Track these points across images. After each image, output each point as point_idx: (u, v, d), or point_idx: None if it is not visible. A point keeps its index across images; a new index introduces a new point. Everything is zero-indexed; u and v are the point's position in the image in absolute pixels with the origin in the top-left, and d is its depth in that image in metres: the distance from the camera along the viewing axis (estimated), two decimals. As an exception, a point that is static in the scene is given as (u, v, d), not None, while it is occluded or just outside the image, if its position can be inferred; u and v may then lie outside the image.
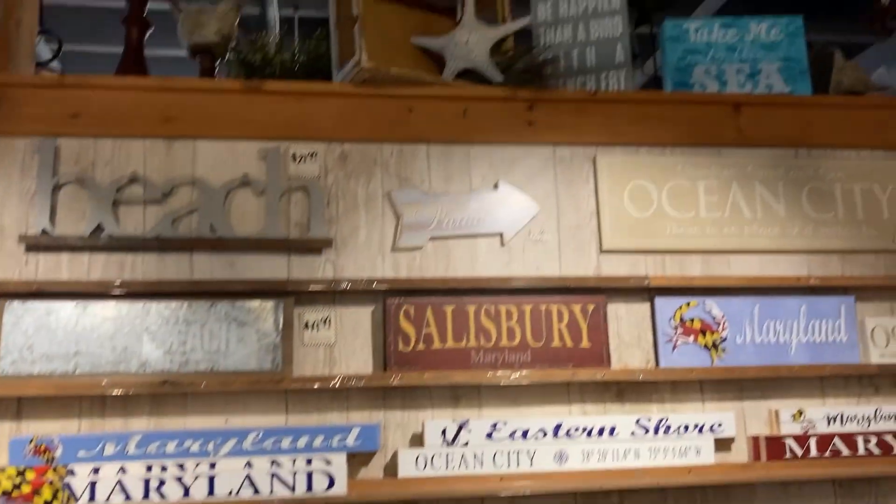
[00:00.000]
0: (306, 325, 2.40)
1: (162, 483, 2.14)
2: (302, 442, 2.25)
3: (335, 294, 2.43)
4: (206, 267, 2.38)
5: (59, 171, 2.37)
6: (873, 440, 2.50)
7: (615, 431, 2.42)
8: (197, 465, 2.17)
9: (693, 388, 2.54)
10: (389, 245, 2.50)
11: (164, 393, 2.28)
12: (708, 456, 2.43)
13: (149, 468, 2.15)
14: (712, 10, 4.92)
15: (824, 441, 2.49)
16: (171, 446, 2.19)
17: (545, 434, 2.39)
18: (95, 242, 2.32)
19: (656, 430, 2.44)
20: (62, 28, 3.32)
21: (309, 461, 2.22)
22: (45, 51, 3.22)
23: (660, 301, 2.55)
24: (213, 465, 2.18)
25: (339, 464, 2.23)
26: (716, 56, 2.81)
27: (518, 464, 2.35)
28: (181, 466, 2.17)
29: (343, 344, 2.41)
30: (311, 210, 2.45)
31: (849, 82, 2.98)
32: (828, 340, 2.60)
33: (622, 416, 2.44)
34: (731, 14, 2.93)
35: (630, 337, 2.55)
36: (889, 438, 2.51)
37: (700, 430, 2.46)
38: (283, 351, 2.33)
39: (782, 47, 2.84)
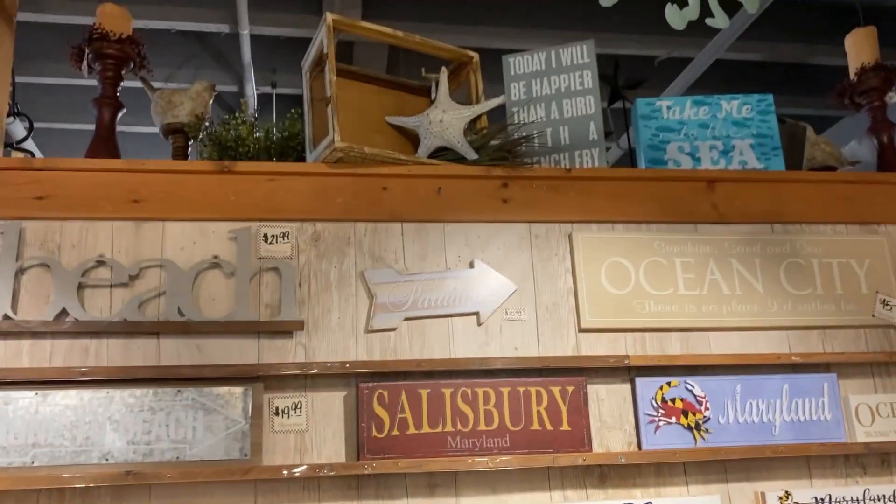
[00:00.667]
0: (276, 412, 2.32)
1: (121, 584, 2.03)
2: (271, 536, 2.14)
3: (307, 378, 2.36)
4: (174, 351, 2.31)
5: (24, 254, 2.32)
6: (863, 524, 2.43)
7: (598, 518, 2.34)
8: (159, 564, 2.06)
9: (677, 470, 2.47)
10: (363, 326, 2.44)
11: (128, 485, 2.17)
12: (694, 542, 2.35)
13: (107, 567, 2.04)
14: (683, 88, 5.01)
15: (813, 525, 2.41)
16: (131, 543, 2.08)
17: (525, 522, 2.30)
18: (59, 327, 2.25)
19: (640, 516, 2.36)
20: (35, 106, 3.31)
21: (278, 557, 2.11)
22: (18, 129, 3.20)
23: (640, 381, 2.50)
24: (176, 563, 2.07)
25: (310, 559, 2.12)
26: (689, 133, 2.83)
27: (497, 555, 2.25)
28: (142, 565, 2.06)
29: (315, 430, 2.33)
30: (283, 291, 2.40)
31: (821, 157, 3.01)
32: (812, 419, 2.54)
33: (605, 502, 2.36)
34: (701, 91, 2.96)
35: (611, 418, 2.49)
36: (879, 522, 2.44)
37: (685, 516, 2.38)
38: (253, 439, 2.24)
39: (754, 124, 2.86)
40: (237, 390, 2.27)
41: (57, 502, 2.16)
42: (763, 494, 2.45)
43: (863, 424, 2.56)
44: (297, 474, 2.21)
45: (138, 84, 2.84)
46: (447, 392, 2.39)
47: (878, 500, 2.49)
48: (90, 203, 2.38)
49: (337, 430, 2.34)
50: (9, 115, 2.74)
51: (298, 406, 2.33)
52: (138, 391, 2.23)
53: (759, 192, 2.75)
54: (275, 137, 2.64)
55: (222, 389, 2.26)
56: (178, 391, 2.24)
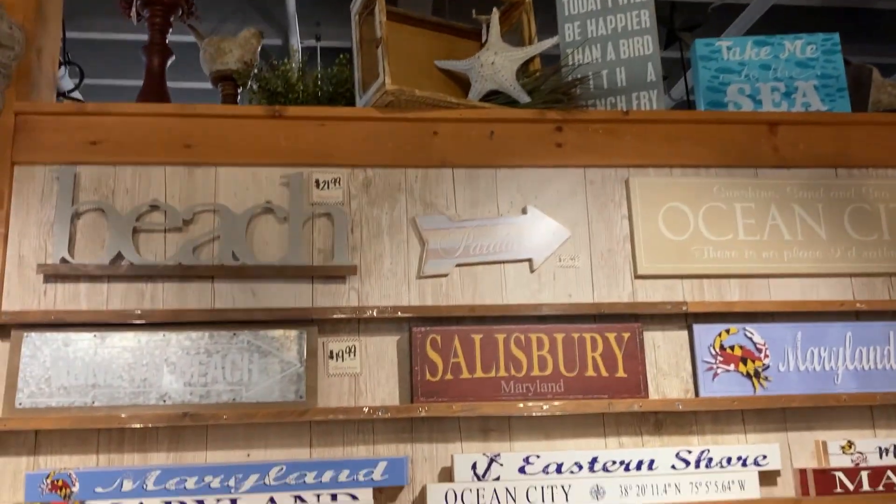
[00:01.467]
0: (331, 355, 2.32)
1: (181, 522, 2.06)
2: (327, 476, 2.15)
3: (360, 322, 2.35)
4: (228, 295, 2.32)
5: (79, 199, 2.33)
6: (929, 473, 2.36)
7: (654, 465, 2.31)
8: (218, 502, 2.09)
9: (735, 418, 2.42)
10: (415, 272, 2.42)
11: (184, 426, 2.20)
12: (753, 490, 2.31)
13: (168, 504, 2.07)
14: (741, 31, 4.85)
15: (877, 474, 2.35)
16: (190, 482, 2.10)
17: (580, 468, 2.28)
18: (115, 271, 2.27)
19: (697, 464, 2.32)
20: (85, 62, 3.32)
21: (334, 497, 2.12)
22: (68, 83, 3.22)
23: (698, 328, 2.44)
24: (234, 502, 2.09)
25: (366, 499, 2.13)
26: (749, 74, 2.73)
27: (553, 499, 2.24)
28: (201, 503, 2.08)
29: (368, 374, 2.33)
30: (335, 237, 2.38)
31: (888, 100, 2.89)
32: (877, 367, 2.47)
33: (661, 449, 2.33)
34: (760, 34, 2.85)
35: (667, 365, 2.44)
36: (946, 471, 2.37)
37: (744, 463, 2.34)
38: (308, 381, 2.25)
39: (818, 65, 2.75)
40: (292, 333, 2.27)
41: (117, 443, 2.20)
42: (825, 444, 2.40)
43: (930, 374, 2.48)
44: (352, 417, 2.21)
45: (184, 38, 2.82)
46: (500, 337, 2.36)
47: (945, 450, 2.41)
48: (143, 148, 2.37)
49: (390, 373, 2.33)
50: (60, 66, 2.74)
51: (352, 350, 2.32)
52: (194, 334, 2.24)
53: (822, 134, 2.64)
54: (323, 85, 2.61)
55: (277, 332, 2.27)
56: (234, 334, 2.25)
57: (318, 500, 2.12)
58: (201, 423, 2.18)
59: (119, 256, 2.28)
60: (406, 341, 2.35)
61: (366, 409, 2.21)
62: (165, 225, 2.34)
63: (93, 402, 2.17)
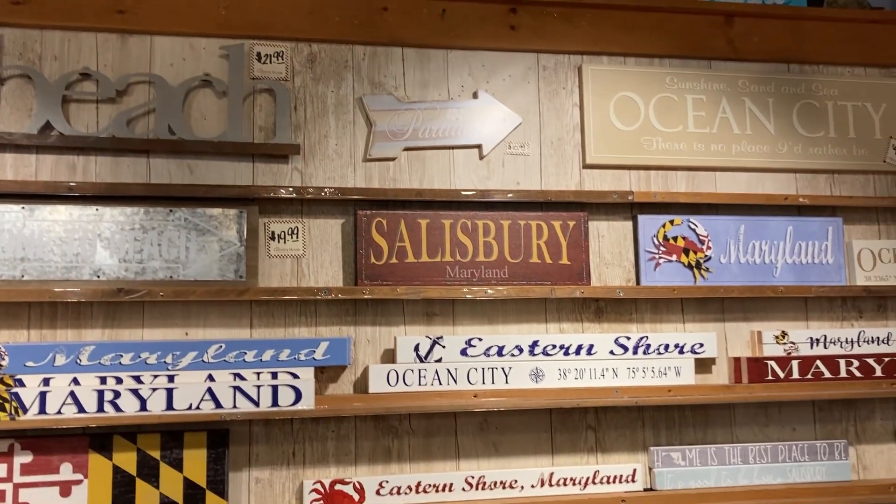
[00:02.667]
0: (272, 236, 2.26)
1: (117, 395, 2.02)
2: (267, 355, 2.13)
3: (303, 203, 2.29)
4: (164, 171, 2.23)
5: (2, 62, 2.18)
6: (855, 363, 2.45)
7: (593, 350, 2.34)
8: (155, 378, 2.06)
9: (674, 307, 2.46)
10: (361, 154, 2.36)
11: (120, 302, 2.14)
12: (688, 376, 2.36)
13: (103, 380, 2.03)
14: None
15: (807, 363, 2.43)
16: (126, 358, 2.06)
17: (521, 351, 2.30)
18: (44, 141, 2.15)
19: (635, 350, 2.36)
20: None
21: (274, 375, 2.11)
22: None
23: (643, 218, 2.45)
24: (171, 378, 2.06)
25: (307, 378, 2.12)
26: (709, -37, 2.66)
27: (493, 381, 2.26)
28: (138, 379, 2.05)
29: (312, 256, 2.28)
30: (277, 114, 2.30)
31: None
32: (814, 262, 2.52)
33: (600, 335, 2.36)
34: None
35: (611, 255, 2.45)
36: (871, 361, 2.45)
37: (681, 351, 2.39)
38: (248, 261, 2.20)
39: (778, -44, 2.70)
40: (231, 212, 2.20)
41: (49, 318, 2.13)
42: (759, 333, 2.46)
43: (864, 269, 2.54)
44: (294, 297, 2.18)
45: None
46: (447, 223, 2.33)
47: (872, 341, 2.50)
48: (71, 11, 2.22)
49: (334, 256, 2.30)
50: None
51: (295, 231, 2.27)
52: (129, 209, 2.16)
53: (778, 28, 2.61)
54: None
55: (216, 211, 2.20)
56: (170, 211, 2.18)
57: (258, 378, 2.10)
58: (137, 300, 2.12)
59: (48, 126, 2.16)
60: (351, 224, 2.31)
61: (308, 291, 2.18)
62: (97, 95, 2.22)
63: (22, 276, 2.09)
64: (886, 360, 2.46)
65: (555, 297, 2.33)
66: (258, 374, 2.10)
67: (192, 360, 2.09)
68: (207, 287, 2.15)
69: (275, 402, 2.09)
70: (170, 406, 2.04)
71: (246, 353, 2.12)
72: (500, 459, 2.32)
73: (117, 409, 2.02)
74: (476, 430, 2.32)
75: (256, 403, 2.08)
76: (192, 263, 2.17)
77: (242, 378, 2.09)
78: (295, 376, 2.12)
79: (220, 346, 2.11)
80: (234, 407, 2.07)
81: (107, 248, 2.13)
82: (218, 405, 2.06)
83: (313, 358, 2.15)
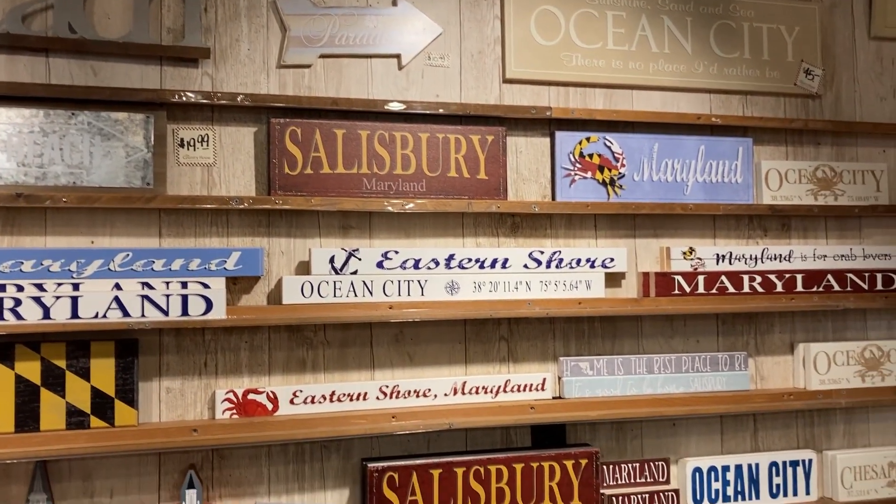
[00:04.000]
0: (181, 143, 2.19)
1: (18, 303, 1.96)
2: (177, 265, 2.09)
3: (214, 110, 2.22)
4: (65, 72, 2.12)
5: None
6: (758, 279, 2.55)
7: (507, 263, 2.37)
8: (58, 286, 2.00)
9: (588, 223, 2.51)
10: (275, 61, 2.29)
11: (20, 208, 2.06)
12: (598, 290, 2.43)
13: (2, 287, 1.96)
14: None
15: (712, 279, 2.51)
16: (28, 265, 1.99)
17: (437, 264, 2.32)
18: (-70, 36, 2.02)
19: (548, 264, 2.40)
20: None
21: (184, 285, 2.07)
22: None
23: (560, 135, 2.46)
24: (76, 287, 2.01)
25: (218, 288, 2.09)
26: None
27: (409, 293, 2.28)
28: (40, 287, 1.99)
29: (223, 165, 2.23)
30: (186, 15, 2.20)
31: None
32: (723, 181, 2.59)
33: (516, 249, 2.39)
34: None
35: (528, 171, 2.47)
36: (773, 278, 2.56)
37: (592, 265, 2.44)
38: (156, 168, 2.13)
39: None
40: (138, 117, 2.12)
41: (-57, 225, 2.04)
42: (668, 249, 2.53)
43: (770, 189, 2.63)
44: (204, 206, 2.13)
45: None
46: (364, 134, 2.30)
47: (774, 258, 2.60)
48: None
49: (246, 166, 2.25)
50: None
51: (205, 139, 2.21)
52: (27, 111, 2.05)
53: (699, -54, 2.61)
54: None
55: (121, 115, 2.11)
56: (72, 114, 2.08)
57: (168, 287, 2.06)
58: (38, 206, 2.04)
59: (-66, 19, 2.03)
60: (264, 133, 2.26)
61: (219, 200, 2.13)
62: (-11, -13, 2.08)
63: (-89, 179, 1.98)
64: (787, 276, 2.57)
65: (472, 211, 2.34)
66: (167, 283, 2.06)
67: (98, 269, 2.04)
68: (113, 194, 2.08)
69: (185, 312, 2.06)
70: (75, 314, 1.99)
71: (154, 263, 2.08)
72: (415, 369, 2.35)
73: (18, 317, 1.96)
74: (391, 341, 2.34)
75: (166, 313, 2.05)
76: (97, 169, 2.09)
77: (151, 287, 2.05)
78: (206, 286, 2.09)
79: (128, 255, 2.06)
80: (143, 316, 2.04)
81: (4, 151, 2.03)
82: (125, 314, 2.02)
83: (224, 268, 2.13)
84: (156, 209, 2.15)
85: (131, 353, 2.08)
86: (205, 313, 2.07)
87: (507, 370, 2.42)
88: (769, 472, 2.58)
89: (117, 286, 2.03)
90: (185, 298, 2.06)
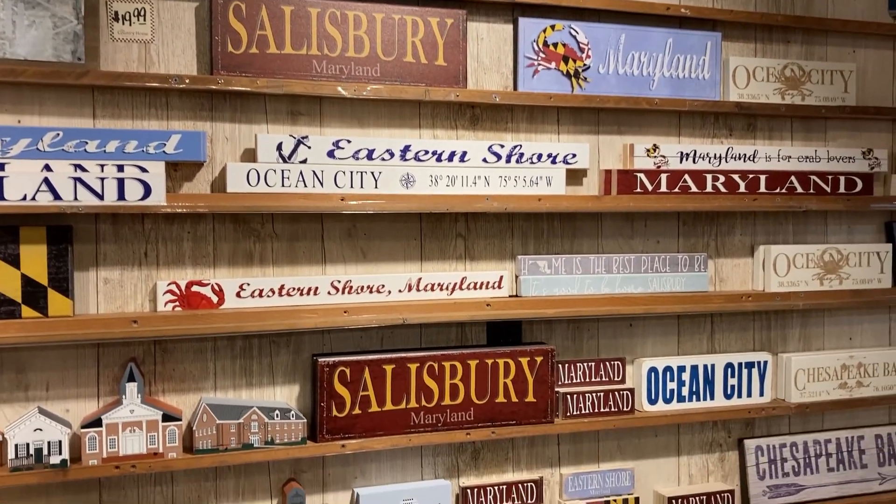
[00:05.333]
0: (116, 17, 2.03)
1: (-64, 182, 1.82)
2: (112, 146, 1.95)
3: (151, -20, 2.05)
4: (-17, -69, 1.93)
5: None
6: (721, 178, 2.49)
7: (466, 157, 2.27)
8: (-19, 166, 1.86)
9: (550, 116, 2.41)
10: (218, -70, 2.11)
11: (-65, 81, 1.89)
12: (559, 187, 2.35)
13: (-81, 165, 1.82)
14: None
15: (675, 177, 2.45)
16: (-54, 143, 1.84)
17: (392, 155, 2.21)
18: None
19: (508, 158, 2.31)
20: None
21: (121, 168, 1.94)
22: None
23: (524, 21, 2.34)
24: (1, 167, 1.86)
25: (157, 172, 1.96)
26: None
27: (362, 185, 2.17)
28: (-39, 166, 1.84)
29: (162, 42, 2.07)
30: None
31: None
32: (690, 76, 2.50)
33: (475, 142, 2.29)
34: None
35: (489, 60, 2.35)
36: (736, 178, 2.50)
37: (553, 161, 2.35)
38: (87, 42, 1.96)
39: None
40: (65, -16, 1.95)
41: None
42: (632, 146, 2.45)
43: (738, 86, 2.55)
44: (141, 84, 1.98)
45: None
46: (313, 12, 2.15)
47: (739, 158, 2.54)
48: None
49: (188, 44, 2.09)
50: None
51: (142, 13, 2.04)
52: (-60, -27, 1.87)
53: None
54: None
55: (47, -19, 1.93)
56: (-8, -22, 1.90)
57: (103, 170, 1.93)
58: (-44, 79, 1.88)
59: None
60: (206, 8, 2.10)
61: (158, 78, 1.99)
62: None
63: None
64: (751, 176, 2.52)
65: (429, 99, 2.22)
66: (102, 165, 1.93)
67: (26, 148, 1.89)
68: (40, 68, 1.92)
69: (121, 196, 1.93)
70: (1, 196, 1.86)
71: (87, 143, 1.94)
72: (368, 265, 2.27)
73: (-63, 197, 1.83)
74: (344, 236, 2.25)
75: (101, 197, 1.92)
76: (21, 40, 1.92)
77: (84, 169, 1.91)
78: (143, 170, 1.96)
79: (58, 134, 1.92)
80: (76, 199, 1.90)
81: (-85, 18, 1.86)
82: (57, 197, 1.89)
83: (164, 151, 1.99)
84: (88, 86, 1.99)
85: (64, 239, 1.96)
86: (143, 198, 1.95)
87: (463, 268, 2.35)
88: (725, 373, 2.58)
89: (47, 167, 1.89)
90: (121, 182, 1.93)
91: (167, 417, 2.02)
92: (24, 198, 1.87)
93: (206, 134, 2.07)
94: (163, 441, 2.02)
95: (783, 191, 2.55)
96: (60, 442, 1.94)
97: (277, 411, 2.11)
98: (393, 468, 2.31)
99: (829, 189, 2.60)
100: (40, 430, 1.93)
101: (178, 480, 2.12)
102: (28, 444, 1.92)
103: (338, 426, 2.16)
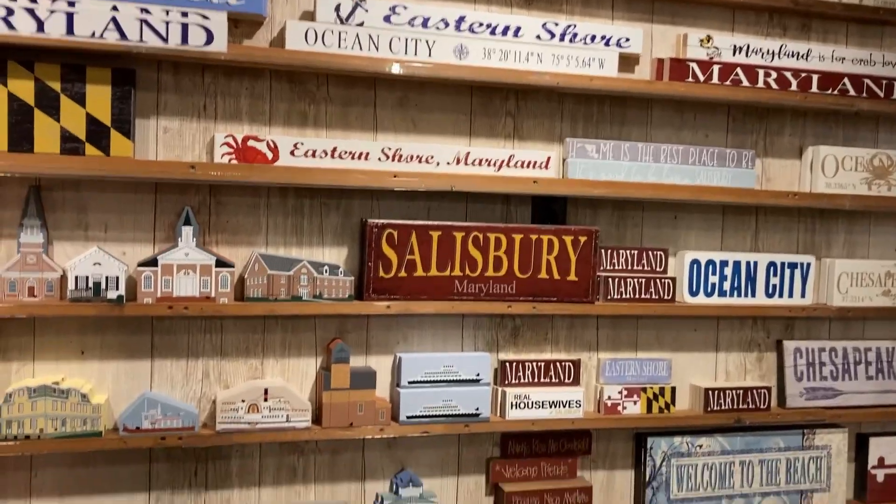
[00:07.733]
0: None
1: (10, 12, 1.87)
2: (177, -7, 2.00)
3: None
4: None
5: None
6: (773, 75, 2.48)
7: (520, 32, 2.29)
8: (54, 1, 1.91)
9: (605, 1, 2.41)
10: None
11: None
12: (611, 69, 2.35)
13: (-6, -5, 1.87)
14: None
15: (727, 69, 2.44)
16: None
17: (447, 25, 2.23)
18: None
19: (562, 37, 2.32)
20: None
21: (185, 14, 1.98)
22: None
23: None
24: (72, 3, 1.92)
25: (220, 21, 2.00)
26: None
27: (416, 52, 2.20)
28: None
29: None
30: None
31: None
32: (747, -32, 2.49)
33: (528, 18, 2.30)
34: None
35: (547, -59, 2.36)
36: (788, 75, 2.49)
37: (606, 43, 2.36)
38: None
39: None
40: None
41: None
42: (685, 36, 2.44)
43: (794, -18, 2.53)
44: (206, -66, 2.02)
45: None
46: None
47: (792, 55, 2.52)
48: None
49: None
50: None
51: None
52: None
53: None
54: None
55: None
56: None
57: (168, 14, 1.97)
58: None
59: None
60: None
61: (223, -73, 2.03)
62: None
63: None
64: (803, 75, 2.50)
65: (485, -29, 2.24)
66: (167, 10, 1.97)
67: None
68: None
69: (184, 40, 1.98)
70: (70, 31, 1.91)
71: None
72: (418, 136, 2.30)
73: (10, 26, 1.88)
74: (395, 105, 2.28)
75: (165, 39, 1.97)
76: None
77: (149, 12, 1.96)
78: (206, 18, 2.00)
79: None
80: (141, 41, 1.95)
81: None
82: (123, 36, 1.94)
83: (227, 2, 2.04)
84: (156, -67, 2.04)
85: (128, 82, 2.01)
86: (206, 44, 1.99)
87: (511, 147, 2.37)
88: (767, 271, 2.57)
89: (114, 7, 1.94)
90: (185, 27, 1.98)
91: (220, 263, 2.08)
92: (93, 35, 1.93)
93: (267, -10, 2.11)
94: (215, 286, 2.07)
95: (835, 92, 2.53)
96: (118, 278, 2.00)
97: (327, 267, 2.16)
98: (434, 338, 2.35)
99: (882, 93, 2.57)
100: (99, 264, 2.00)
101: (228, 329, 2.18)
102: (88, 277, 1.99)
103: (384, 286, 2.20)
